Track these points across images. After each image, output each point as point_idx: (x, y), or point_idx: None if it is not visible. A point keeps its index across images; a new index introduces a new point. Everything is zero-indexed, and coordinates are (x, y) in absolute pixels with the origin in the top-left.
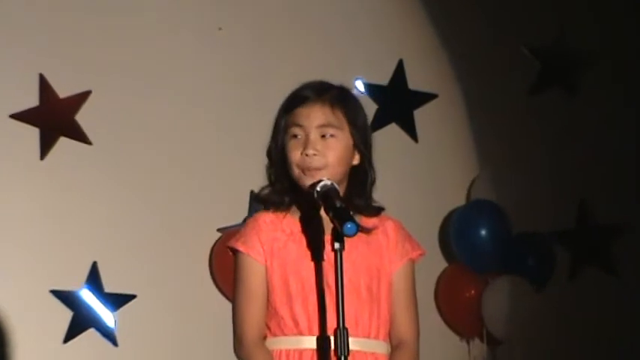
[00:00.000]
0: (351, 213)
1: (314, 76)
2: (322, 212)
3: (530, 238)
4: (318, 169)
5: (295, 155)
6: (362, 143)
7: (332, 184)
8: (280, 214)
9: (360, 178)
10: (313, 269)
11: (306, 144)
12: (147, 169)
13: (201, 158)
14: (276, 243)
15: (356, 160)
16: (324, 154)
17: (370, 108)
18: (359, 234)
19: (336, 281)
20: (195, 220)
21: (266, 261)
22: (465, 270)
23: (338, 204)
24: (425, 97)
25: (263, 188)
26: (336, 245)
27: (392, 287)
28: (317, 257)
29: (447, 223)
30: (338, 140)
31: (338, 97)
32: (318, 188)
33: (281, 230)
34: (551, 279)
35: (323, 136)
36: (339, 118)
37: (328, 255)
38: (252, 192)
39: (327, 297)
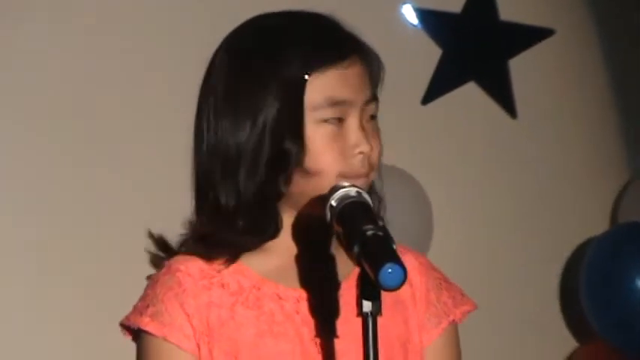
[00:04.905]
0: (394, 246)
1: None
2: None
3: None
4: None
5: (338, 158)
6: None
7: (359, 193)
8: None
9: None
10: (289, 355)
11: (359, 134)
12: None
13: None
14: (216, 311)
15: None
16: (374, 151)
17: (431, 55)
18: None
19: None
20: None
21: (199, 346)
22: (611, 354)
23: (370, 230)
24: (529, 36)
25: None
26: (366, 306)
27: None
28: (325, 330)
29: (574, 267)
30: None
31: (375, 56)
32: (333, 202)
33: (220, 286)
34: None
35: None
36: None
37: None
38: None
39: None
